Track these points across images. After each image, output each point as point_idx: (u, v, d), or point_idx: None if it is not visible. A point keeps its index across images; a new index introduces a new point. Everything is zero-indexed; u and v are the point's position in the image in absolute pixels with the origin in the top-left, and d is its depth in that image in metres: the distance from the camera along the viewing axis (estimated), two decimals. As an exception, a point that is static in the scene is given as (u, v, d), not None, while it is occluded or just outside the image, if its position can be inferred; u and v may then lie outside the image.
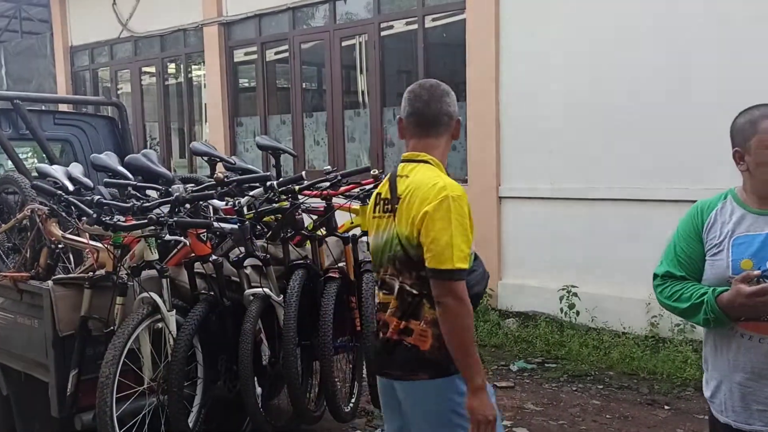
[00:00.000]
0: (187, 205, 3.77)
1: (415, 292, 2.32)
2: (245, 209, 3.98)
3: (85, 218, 3.56)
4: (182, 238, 3.56)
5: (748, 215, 2.20)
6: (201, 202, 4.00)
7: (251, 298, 3.71)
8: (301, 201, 4.00)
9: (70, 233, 3.87)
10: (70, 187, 3.94)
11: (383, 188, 2.48)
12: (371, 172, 4.13)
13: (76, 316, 3.42)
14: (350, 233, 4.17)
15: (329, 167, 4.46)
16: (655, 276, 2.33)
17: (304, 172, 4.29)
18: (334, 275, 3.98)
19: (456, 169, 7.28)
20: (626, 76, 6.19)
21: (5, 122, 5.41)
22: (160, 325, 3.42)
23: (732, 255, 2.16)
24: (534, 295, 6.74)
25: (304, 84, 9.40)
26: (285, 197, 4.00)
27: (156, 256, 3.47)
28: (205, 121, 10.69)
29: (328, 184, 4.08)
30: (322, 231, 4.18)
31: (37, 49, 13.41)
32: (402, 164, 2.45)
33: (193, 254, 3.61)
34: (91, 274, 3.49)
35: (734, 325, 2.16)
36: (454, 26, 7.63)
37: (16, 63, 14.00)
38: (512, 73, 6.93)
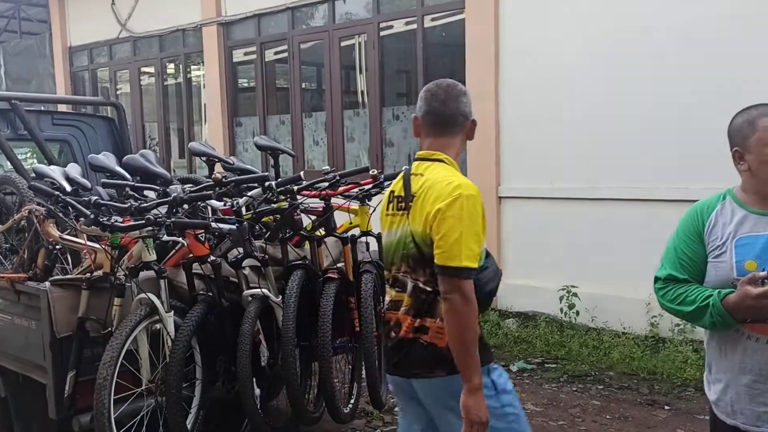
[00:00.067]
0: (185, 206, 3.75)
1: (429, 289, 2.34)
2: (243, 210, 3.97)
3: (82, 219, 3.54)
4: (180, 238, 3.55)
5: (750, 216, 2.18)
6: (199, 203, 3.98)
7: (250, 298, 3.69)
8: (299, 201, 3.98)
9: (67, 234, 3.86)
10: (68, 188, 3.92)
11: (397, 186, 2.51)
12: (370, 173, 4.12)
13: (73, 317, 3.40)
14: (349, 233, 4.15)
15: (328, 167, 4.45)
16: (657, 279, 2.30)
17: (302, 173, 4.27)
18: (332, 276, 3.96)
19: (455, 168, 7.26)
20: (626, 75, 6.18)
21: (3, 123, 5.39)
22: (158, 326, 3.40)
23: (736, 256, 2.15)
24: (534, 295, 6.72)
25: (303, 84, 9.39)
26: (283, 198, 3.98)
27: (154, 256, 3.45)
28: (205, 122, 10.68)
29: (326, 184, 4.07)
30: (321, 231, 4.17)
31: (36, 50, 13.39)
32: (416, 163, 2.48)
33: (191, 255, 3.59)
34: (88, 275, 3.48)
35: (740, 327, 2.14)
36: (453, 26, 7.62)
37: (15, 63, 13.99)
38: (511, 72, 6.91)
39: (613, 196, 6.32)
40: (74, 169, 4.24)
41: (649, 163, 6.07)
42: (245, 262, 3.73)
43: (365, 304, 3.93)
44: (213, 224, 3.64)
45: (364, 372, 4.02)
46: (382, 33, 8.20)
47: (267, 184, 3.88)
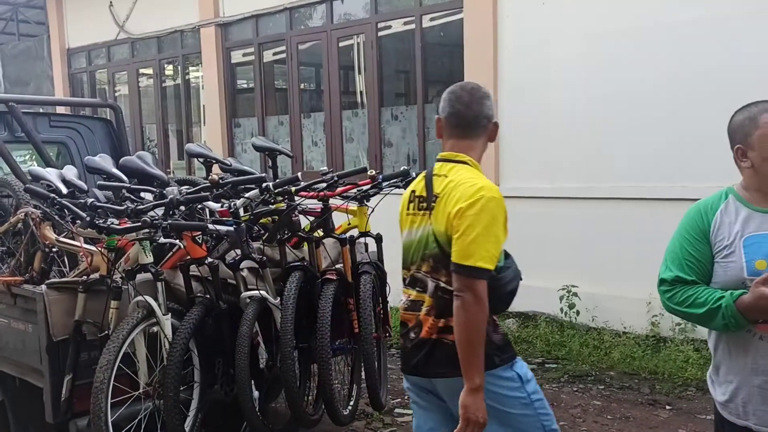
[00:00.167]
0: (182, 208, 3.73)
1: (452, 289, 2.35)
2: (241, 211, 3.95)
3: (78, 221, 3.52)
4: (177, 240, 3.53)
5: (755, 214, 2.16)
6: (196, 204, 3.96)
7: (248, 300, 3.68)
8: (297, 202, 3.96)
9: (64, 237, 3.84)
10: (64, 190, 3.90)
11: (418, 186, 2.54)
12: (368, 173, 4.10)
13: (70, 320, 3.38)
14: (347, 234, 4.13)
15: (326, 168, 4.43)
16: (663, 281, 2.25)
17: (300, 173, 4.25)
18: (331, 277, 3.94)
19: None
20: (626, 74, 6.16)
21: (0, 125, 5.38)
22: (155, 328, 3.37)
23: (745, 256, 2.11)
24: (534, 295, 6.67)
25: (301, 85, 9.37)
26: (281, 199, 3.96)
27: (151, 259, 3.43)
28: (203, 123, 10.66)
29: (324, 185, 4.05)
30: (319, 232, 4.15)
31: (34, 52, 13.38)
32: (439, 164, 2.51)
33: (188, 257, 3.57)
34: (85, 277, 3.45)
35: (752, 327, 2.11)
36: (451, 25, 7.60)
37: (13, 65, 13.97)
38: (510, 71, 6.89)
39: (613, 195, 6.30)
40: (71, 172, 4.23)
41: (649, 162, 6.05)
42: (243, 264, 3.71)
43: (364, 306, 3.91)
44: (210, 226, 3.62)
45: (363, 373, 4.00)
46: (380, 33, 8.18)
47: (264, 185, 3.86)
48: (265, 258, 3.77)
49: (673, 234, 2.29)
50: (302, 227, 4.11)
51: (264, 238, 4.10)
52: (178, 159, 11.24)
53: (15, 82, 13.74)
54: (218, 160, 4.72)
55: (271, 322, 3.74)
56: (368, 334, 3.86)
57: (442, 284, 2.38)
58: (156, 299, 3.35)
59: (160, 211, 3.55)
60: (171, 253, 3.70)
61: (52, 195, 3.79)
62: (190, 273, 3.60)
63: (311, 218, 4.19)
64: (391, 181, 4.10)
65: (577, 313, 6.35)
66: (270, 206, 4.03)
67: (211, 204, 3.92)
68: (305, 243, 4.03)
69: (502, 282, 2.40)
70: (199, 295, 3.62)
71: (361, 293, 3.95)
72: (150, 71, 11.24)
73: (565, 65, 6.52)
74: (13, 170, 5.02)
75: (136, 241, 3.42)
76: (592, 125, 6.39)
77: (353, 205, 4.15)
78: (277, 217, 4.02)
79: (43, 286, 3.46)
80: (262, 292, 3.67)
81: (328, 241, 4.12)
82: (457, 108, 2.46)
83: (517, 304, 7.03)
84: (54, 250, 3.93)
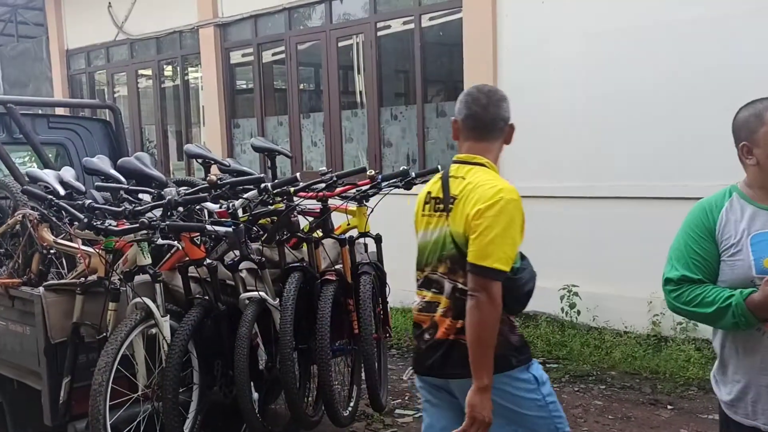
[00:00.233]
0: (180, 209, 3.72)
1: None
2: (240, 212, 3.93)
3: (76, 223, 3.50)
4: (175, 242, 3.51)
5: (761, 212, 2.13)
6: (195, 205, 3.94)
7: (247, 301, 3.66)
8: (296, 203, 3.95)
9: (62, 238, 3.82)
10: (62, 192, 3.89)
11: (433, 187, 2.54)
12: (367, 173, 4.08)
13: (68, 322, 3.37)
14: (347, 235, 4.11)
15: (325, 168, 4.42)
16: (669, 281, 2.22)
17: (299, 174, 4.23)
18: (331, 278, 3.93)
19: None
20: (625, 73, 6.14)
21: (-1, 127, 5.39)
22: (153, 330, 3.37)
23: (753, 254, 2.09)
24: (534, 294, 6.67)
25: (301, 85, 9.35)
26: (280, 199, 3.95)
27: (149, 260, 3.42)
28: (203, 124, 10.64)
29: (323, 185, 4.03)
30: (319, 233, 4.13)
31: (33, 53, 13.37)
32: (456, 165, 2.51)
33: (187, 258, 3.56)
34: (83, 279, 3.44)
35: (761, 326, 2.08)
36: (451, 25, 7.58)
37: (12, 67, 13.97)
38: (510, 71, 6.87)
39: (613, 194, 6.28)
40: (68, 173, 4.21)
41: (649, 161, 6.03)
42: (242, 265, 3.70)
43: (364, 306, 3.89)
44: (209, 227, 3.61)
45: (363, 374, 3.99)
46: (379, 33, 8.16)
47: (263, 185, 3.84)
48: (264, 259, 3.76)
49: (677, 233, 2.26)
50: (301, 228, 4.09)
51: (263, 238, 4.09)
52: (178, 160, 11.23)
53: (14, 83, 13.74)
54: (217, 161, 4.70)
55: (270, 324, 3.73)
56: (368, 335, 3.84)
57: (460, 285, 2.38)
58: (154, 301, 3.35)
59: (158, 213, 3.53)
60: (169, 254, 3.69)
61: (50, 197, 3.77)
62: (189, 274, 3.59)
63: (310, 219, 4.17)
64: (391, 182, 4.09)
65: (578, 312, 6.33)
66: (269, 207, 4.02)
67: (209, 205, 3.91)
68: (304, 244, 4.01)
69: (518, 283, 2.41)
70: (197, 296, 3.61)
71: (360, 294, 3.93)
72: (149, 72, 11.22)
73: (564, 64, 6.50)
74: (11, 172, 5.01)
75: (134, 242, 3.40)
76: (592, 124, 6.37)
77: (352, 206, 4.14)
78: (276, 218, 4.01)
79: (41, 288, 3.45)
80: (261, 293, 3.66)
81: (328, 242, 4.10)
82: (474, 110, 2.47)
83: (518, 304, 7.03)
84: (52, 251, 3.91)
